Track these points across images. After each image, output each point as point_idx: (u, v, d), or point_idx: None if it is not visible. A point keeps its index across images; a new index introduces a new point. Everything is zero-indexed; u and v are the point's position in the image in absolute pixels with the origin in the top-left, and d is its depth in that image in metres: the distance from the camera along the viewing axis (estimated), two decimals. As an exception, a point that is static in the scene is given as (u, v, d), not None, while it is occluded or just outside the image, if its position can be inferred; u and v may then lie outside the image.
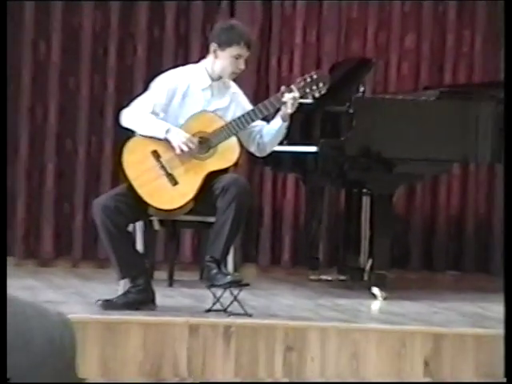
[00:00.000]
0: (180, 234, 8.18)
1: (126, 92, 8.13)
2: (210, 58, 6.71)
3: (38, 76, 8.59)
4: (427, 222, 9.04)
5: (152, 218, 6.77)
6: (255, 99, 7.32)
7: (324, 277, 8.11)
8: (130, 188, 6.43)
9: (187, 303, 6.64)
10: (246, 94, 6.97)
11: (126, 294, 6.34)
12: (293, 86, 6.67)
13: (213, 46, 6.69)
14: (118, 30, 8.68)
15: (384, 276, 7.28)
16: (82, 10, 8.64)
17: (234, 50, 6.61)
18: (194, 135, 6.49)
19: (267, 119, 6.75)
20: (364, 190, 7.84)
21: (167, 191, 6.48)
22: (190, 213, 6.61)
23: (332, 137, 7.34)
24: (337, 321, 6.32)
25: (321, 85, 6.70)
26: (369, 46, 8.94)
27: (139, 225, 6.75)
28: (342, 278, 7.98)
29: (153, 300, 6.39)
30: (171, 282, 7.42)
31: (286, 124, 6.66)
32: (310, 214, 8.62)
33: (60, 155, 8.62)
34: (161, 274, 7.16)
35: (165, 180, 6.48)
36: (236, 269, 6.94)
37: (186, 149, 6.44)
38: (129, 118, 6.60)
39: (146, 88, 6.91)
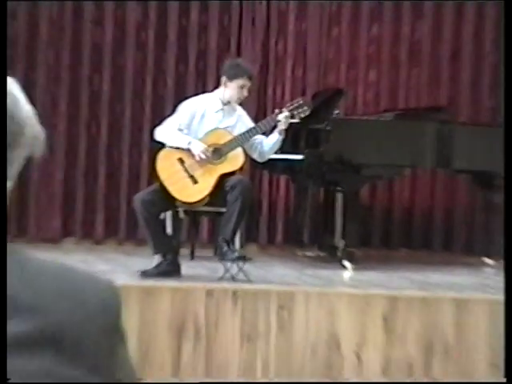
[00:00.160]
0: (199, 221, 8.16)
1: (159, 114, 8.09)
2: (221, 87, 6.72)
3: (93, 102, 8.58)
4: (385, 211, 8.99)
5: (178, 209, 6.76)
6: (256, 119, 7.31)
7: (308, 253, 8.08)
8: (162, 186, 6.44)
9: (204, 273, 6.60)
10: (249, 114, 6.97)
11: (158, 266, 6.34)
12: (284, 109, 6.72)
13: (223, 79, 6.70)
14: (153, 67, 8.65)
15: (353, 252, 7.26)
16: (126, 52, 8.63)
17: (239, 82, 6.61)
18: (209, 146, 6.50)
19: (266, 134, 6.76)
20: (338, 188, 7.81)
21: (189, 188, 6.48)
22: (206, 205, 6.60)
23: (314, 148, 7.32)
24: (317, 286, 6.30)
25: (305, 108, 6.72)
26: (341, 80, 8.88)
27: (168, 214, 6.74)
28: (321, 254, 7.96)
29: (179, 270, 6.38)
30: (192, 256, 7.41)
31: (281, 137, 6.68)
32: (297, 206, 8.61)
33: (109, 161, 8.59)
34: (184, 251, 7.14)
35: (188, 180, 6.49)
36: (241, 247, 6.93)
37: (203, 156, 6.45)
38: (161, 133, 6.61)
39: (173, 111, 6.90)
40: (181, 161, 6.50)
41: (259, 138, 6.71)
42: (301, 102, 6.80)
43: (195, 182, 6.48)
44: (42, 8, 8.45)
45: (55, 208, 8.51)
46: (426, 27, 8.99)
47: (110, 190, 8.58)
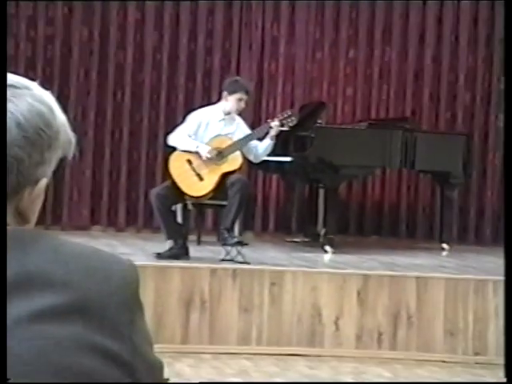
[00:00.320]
0: (205, 212, 8.15)
1: (171, 123, 8.07)
2: (222, 101, 6.71)
3: (116, 112, 8.58)
4: (359, 204, 8.99)
5: (187, 202, 6.76)
6: (252, 126, 7.31)
7: (295, 239, 8.08)
8: (173, 183, 6.43)
9: (209, 255, 6.59)
10: (246, 123, 6.97)
11: (170, 249, 6.33)
12: (275, 118, 6.72)
13: (224, 93, 6.69)
14: (167, 84, 8.65)
15: (332, 239, 7.24)
16: (144, 71, 8.62)
17: (237, 96, 6.60)
18: (213, 149, 6.49)
19: (260, 139, 6.76)
20: (320, 185, 7.80)
21: (197, 184, 6.47)
22: (211, 198, 6.60)
23: (300, 151, 7.31)
24: (303, 267, 6.30)
25: (293, 118, 6.74)
26: (324, 95, 8.88)
27: (179, 206, 6.74)
28: (306, 240, 7.95)
29: (187, 253, 6.38)
30: (199, 242, 7.39)
31: (273, 142, 6.68)
32: (286, 200, 8.61)
33: (129, 161, 8.58)
34: (192, 237, 7.15)
35: (195, 178, 6.48)
36: (240, 234, 6.93)
37: (209, 156, 6.45)
38: (173, 139, 6.61)
39: (183, 120, 6.90)
40: (189, 162, 6.49)
41: (254, 142, 6.71)
42: (289, 113, 6.82)
43: (201, 179, 6.47)
44: (76, 34, 8.45)
45: (84, 200, 8.51)
46: (394, 52, 9.01)
47: (130, 185, 8.58)
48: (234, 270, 5.97)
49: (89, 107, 8.49)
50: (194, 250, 6.51)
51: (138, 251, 6.75)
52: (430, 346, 5.97)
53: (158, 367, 1.19)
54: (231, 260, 6.19)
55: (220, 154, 6.50)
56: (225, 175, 6.45)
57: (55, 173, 1.19)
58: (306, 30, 8.87)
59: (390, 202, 8.97)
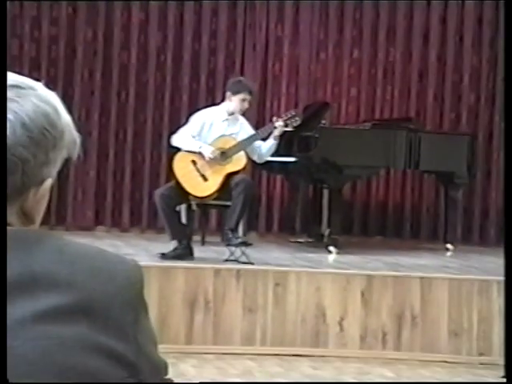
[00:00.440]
0: (209, 212, 8.16)
1: (175, 123, 8.07)
2: (226, 101, 6.71)
3: (120, 113, 8.58)
4: (364, 205, 8.98)
5: (191, 202, 6.75)
6: (256, 127, 7.30)
7: (299, 239, 8.08)
8: (178, 183, 6.44)
9: (213, 256, 6.60)
10: (250, 123, 6.97)
11: (174, 249, 6.33)
12: (279, 119, 6.71)
13: (228, 94, 6.69)
14: (171, 84, 8.65)
15: (336, 239, 7.23)
16: (148, 71, 8.63)
17: (241, 96, 6.60)
18: (217, 150, 6.49)
19: (264, 139, 6.75)
20: (324, 185, 7.80)
21: (201, 185, 6.47)
22: (215, 199, 6.59)
23: (304, 152, 7.31)
24: (307, 267, 6.30)
25: (297, 118, 6.74)
26: (328, 95, 8.88)
27: (183, 206, 6.73)
28: (310, 240, 7.95)
29: (191, 253, 6.38)
30: (203, 242, 7.39)
31: (276, 142, 6.68)
32: (290, 200, 8.60)
33: (134, 162, 8.58)
34: (196, 238, 7.15)
35: (199, 178, 6.48)
36: (244, 234, 6.92)
37: (212, 156, 6.45)
38: (176, 140, 6.62)
39: (187, 121, 6.91)
40: (193, 162, 6.49)
41: (258, 142, 6.71)
42: (293, 113, 6.82)
43: (206, 179, 6.47)
44: (80, 34, 8.46)
45: (89, 201, 8.51)
46: (398, 52, 9.01)
47: (134, 186, 8.59)
48: (238, 271, 5.97)
49: (93, 107, 8.49)
50: (198, 251, 6.50)
51: (142, 251, 6.75)
52: (434, 347, 5.97)
53: (163, 367, 1.19)
54: (235, 260, 6.19)
55: (224, 155, 6.50)
56: (229, 175, 6.45)
57: (60, 173, 1.20)
58: (310, 30, 8.87)
59: (394, 202, 8.97)
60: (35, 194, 1.15)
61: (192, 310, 5.87)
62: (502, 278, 5.70)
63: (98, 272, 1.12)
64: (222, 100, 6.94)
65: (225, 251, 6.34)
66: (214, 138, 6.57)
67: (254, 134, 6.68)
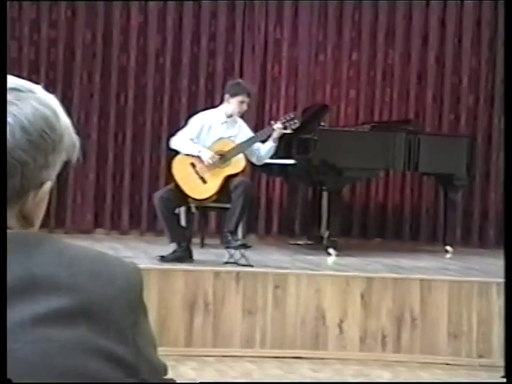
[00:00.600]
0: (208, 215, 8.16)
1: (174, 126, 8.07)
2: (225, 103, 6.70)
3: (120, 115, 8.59)
4: (363, 207, 8.98)
5: (190, 205, 6.75)
6: (255, 129, 7.30)
7: (298, 242, 8.08)
8: (177, 186, 6.42)
9: (212, 258, 6.59)
10: (249, 125, 6.97)
11: (174, 252, 6.32)
12: (278, 121, 6.70)
13: (226, 96, 6.68)
14: (170, 87, 8.65)
15: (336, 241, 7.24)
16: (147, 74, 8.63)
17: (239, 98, 6.58)
18: (216, 153, 6.49)
19: (263, 142, 6.75)
20: (323, 188, 7.80)
21: (200, 187, 6.46)
22: (214, 201, 6.58)
23: (304, 154, 7.31)
24: (306, 269, 6.30)
25: (296, 121, 6.72)
26: (326, 97, 8.88)
27: (182, 209, 6.73)
28: (310, 242, 7.95)
29: (191, 256, 6.37)
30: (202, 244, 7.39)
31: (275, 145, 6.67)
32: (290, 203, 8.60)
33: (133, 165, 8.58)
34: (196, 240, 7.15)
35: (198, 181, 6.47)
36: (243, 236, 6.92)
37: (211, 161, 6.44)
38: (175, 143, 6.60)
39: (186, 123, 6.90)
40: (192, 165, 6.48)
41: (257, 145, 6.70)
42: (292, 115, 6.81)
43: (205, 182, 6.46)
44: (79, 37, 8.46)
45: (88, 204, 8.51)
46: (397, 54, 9.01)
47: (133, 188, 8.59)
48: (238, 273, 5.97)
49: (92, 110, 8.49)
50: (197, 253, 6.49)
51: (142, 254, 6.74)
52: (433, 349, 5.96)
53: (162, 370, 1.19)
54: (235, 263, 6.18)
55: (223, 157, 6.49)
56: (228, 178, 6.44)
57: (59, 176, 1.20)
58: (308, 32, 8.87)
59: (394, 204, 8.97)
60: (34, 197, 1.15)
61: (191, 312, 5.87)
62: (501, 280, 5.70)
63: (97, 275, 1.12)
64: (221, 102, 6.94)
65: (224, 253, 6.33)
66: (212, 141, 6.56)
67: (252, 137, 6.67)
